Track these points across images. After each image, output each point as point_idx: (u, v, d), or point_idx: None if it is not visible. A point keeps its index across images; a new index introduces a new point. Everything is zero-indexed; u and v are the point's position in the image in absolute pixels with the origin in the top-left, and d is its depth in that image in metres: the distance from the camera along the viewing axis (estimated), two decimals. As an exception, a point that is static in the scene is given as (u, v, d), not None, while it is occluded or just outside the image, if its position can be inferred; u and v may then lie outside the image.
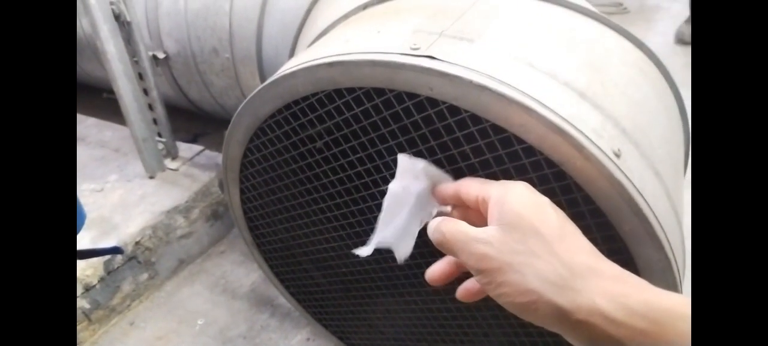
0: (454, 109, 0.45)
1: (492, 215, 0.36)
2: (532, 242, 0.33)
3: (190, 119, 1.62)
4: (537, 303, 0.33)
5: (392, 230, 0.44)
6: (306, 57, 0.53)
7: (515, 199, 0.35)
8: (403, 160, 0.44)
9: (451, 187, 0.42)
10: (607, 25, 0.63)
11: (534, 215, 0.34)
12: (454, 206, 0.42)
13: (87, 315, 1.10)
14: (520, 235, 0.34)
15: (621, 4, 2.62)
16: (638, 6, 2.61)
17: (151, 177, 1.34)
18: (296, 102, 0.54)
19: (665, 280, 0.46)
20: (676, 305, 0.29)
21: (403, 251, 0.44)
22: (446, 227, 0.38)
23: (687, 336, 0.28)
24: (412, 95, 0.46)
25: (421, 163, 0.44)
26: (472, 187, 0.40)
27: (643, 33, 1.27)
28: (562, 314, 0.32)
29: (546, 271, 0.32)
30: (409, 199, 0.43)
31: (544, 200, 0.36)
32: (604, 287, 0.31)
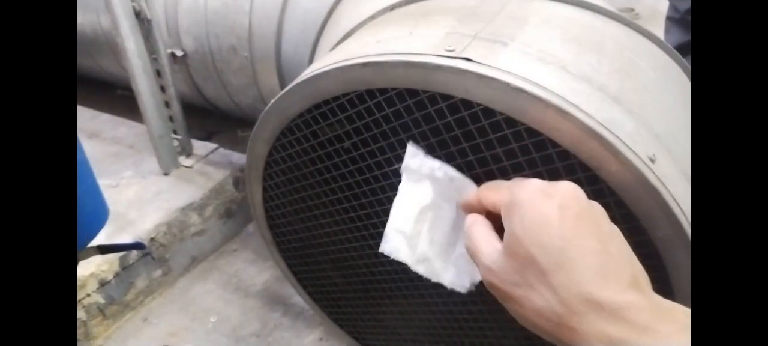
0: (488, 112, 0.45)
1: (505, 228, 0.35)
2: (529, 273, 0.32)
3: (204, 117, 1.63)
4: (540, 333, 0.33)
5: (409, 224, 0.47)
6: (337, 57, 0.53)
7: (517, 219, 0.34)
8: (411, 157, 0.46)
9: (473, 197, 0.42)
10: (636, 30, 0.63)
11: (533, 238, 0.32)
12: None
13: (102, 310, 1.11)
14: (518, 263, 0.33)
15: (633, 10, 2.61)
16: (650, 12, 2.60)
17: (166, 174, 1.35)
18: (326, 102, 0.54)
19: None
20: None
21: (447, 274, 0.48)
22: (470, 235, 0.39)
23: None
24: (445, 96, 0.46)
25: (436, 165, 0.45)
26: (489, 196, 0.40)
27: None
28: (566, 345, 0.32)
29: (542, 307, 0.32)
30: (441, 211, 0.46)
31: (549, 214, 0.33)
32: (600, 328, 0.29)
